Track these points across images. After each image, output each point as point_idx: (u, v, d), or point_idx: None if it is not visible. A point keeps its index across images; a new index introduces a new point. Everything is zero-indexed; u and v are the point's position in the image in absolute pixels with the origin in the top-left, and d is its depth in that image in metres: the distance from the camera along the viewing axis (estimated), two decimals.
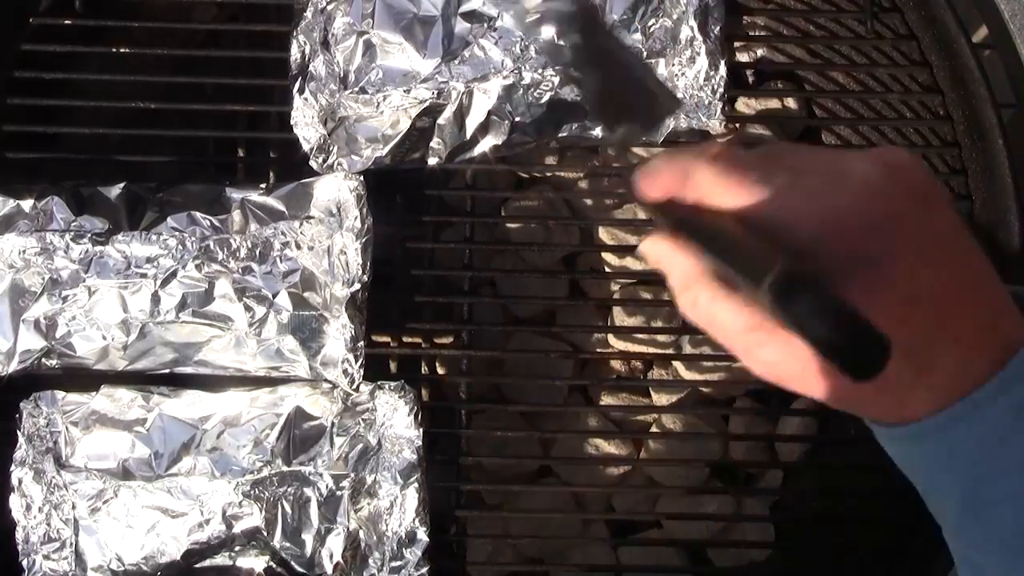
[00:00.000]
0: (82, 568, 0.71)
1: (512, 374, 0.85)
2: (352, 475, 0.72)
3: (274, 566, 0.71)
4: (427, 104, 0.72)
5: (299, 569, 0.71)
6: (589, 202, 0.88)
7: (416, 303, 0.79)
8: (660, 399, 0.87)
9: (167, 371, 0.72)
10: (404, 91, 0.71)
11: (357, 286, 0.71)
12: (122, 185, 0.73)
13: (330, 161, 0.72)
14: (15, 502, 0.72)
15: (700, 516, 0.85)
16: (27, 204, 0.72)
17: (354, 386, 0.71)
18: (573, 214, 0.88)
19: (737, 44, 0.87)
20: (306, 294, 0.71)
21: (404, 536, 0.71)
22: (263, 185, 0.73)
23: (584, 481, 0.85)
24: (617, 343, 0.85)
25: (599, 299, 0.87)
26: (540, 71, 0.71)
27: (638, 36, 0.72)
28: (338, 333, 0.71)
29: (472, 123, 0.73)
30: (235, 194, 0.72)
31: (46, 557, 0.72)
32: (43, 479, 0.72)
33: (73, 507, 0.71)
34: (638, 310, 0.85)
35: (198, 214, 0.72)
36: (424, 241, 0.81)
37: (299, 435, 0.72)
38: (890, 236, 0.41)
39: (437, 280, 0.82)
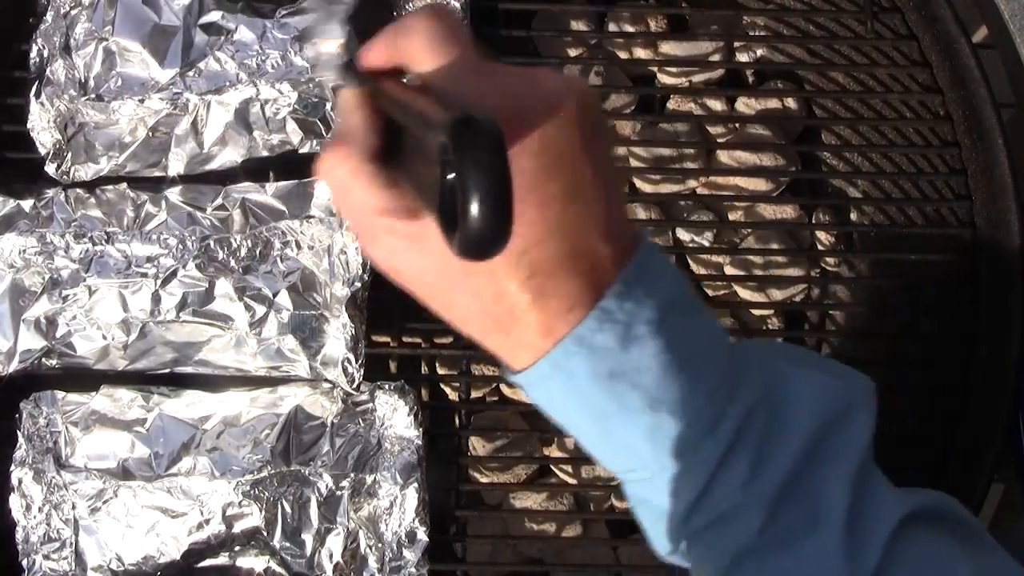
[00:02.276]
0: (82, 568, 0.71)
1: None
2: (352, 475, 0.72)
3: (274, 566, 0.71)
4: (163, 114, 0.72)
5: (299, 569, 0.71)
6: None
7: (416, 303, 0.79)
8: None
9: (167, 371, 0.72)
10: (138, 100, 0.71)
11: (357, 285, 0.71)
12: (123, 185, 0.73)
13: (65, 167, 0.72)
14: (15, 502, 0.72)
15: None
16: (27, 204, 0.72)
17: (354, 386, 0.71)
18: None
19: (737, 44, 0.87)
20: (306, 294, 0.71)
21: (404, 536, 0.71)
22: (264, 184, 0.73)
23: (584, 481, 0.85)
24: None
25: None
26: (276, 86, 0.71)
27: None
28: (338, 333, 0.71)
29: (210, 135, 0.73)
30: (235, 193, 0.72)
31: (46, 557, 0.72)
32: (43, 479, 0.72)
33: (73, 507, 0.71)
34: None
35: (199, 213, 0.72)
36: None
37: (299, 435, 0.72)
38: (550, 142, 0.41)
39: None
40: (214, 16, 0.72)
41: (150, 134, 0.73)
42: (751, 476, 0.42)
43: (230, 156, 0.73)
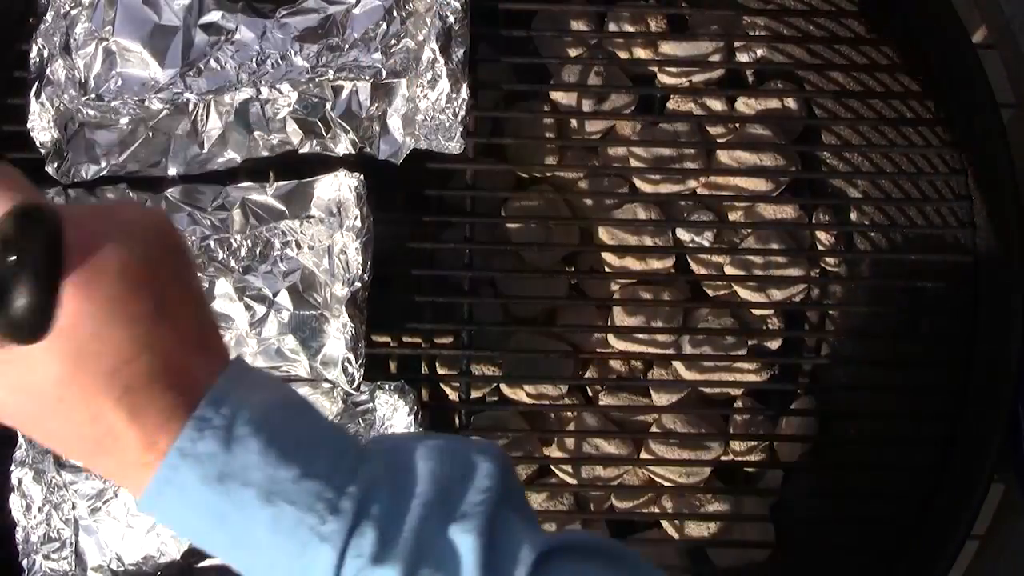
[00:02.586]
0: (82, 568, 0.71)
1: (512, 374, 0.85)
2: None
3: None
4: (163, 114, 0.72)
5: None
6: (589, 202, 0.88)
7: (416, 303, 0.79)
8: (660, 399, 0.87)
9: None
10: (138, 101, 0.71)
11: (358, 285, 0.71)
12: (123, 185, 0.73)
13: (65, 167, 0.73)
14: (15, 502, 0.72)
15: (700, 516, 0.85)
16: None
17: (354, 386, 0.71)
18: (573, 214, 0.88)
19: (737, 44, 0.87)
20: (306, 294, 0.71)
21: None
22: (264, 184, 0.73)
23: (584, 481, 0.85)
24: (617, 343, 0.85)
25: (599, 299, 0.87)
26: (276, 86, 0.71)
27: (378, 55, 0.71)
28: (338, 333, 0.71)
29: (210, 136, 0.73)
30: (235, 193, 0.72)
31: (46, 557, 0.72)
32: (43, 479, 0.72)
33: (73, 507, 0.71)
34: (638, 310, 0.85)
35: (199, 213, 0.72)
36: (424, 241, 0.81)
37: None
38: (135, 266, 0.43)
39: (437, 280, 0.82)
40: (214, 16, 0.72)
41: (150, 134, 0.73)
42: (380, 548, 0.43)
43: (230, 156, 0.73)
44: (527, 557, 0.43)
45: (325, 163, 0.73)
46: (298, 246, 0.72)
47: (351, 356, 0.71)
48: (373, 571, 0.42)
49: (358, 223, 0.71)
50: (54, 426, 0.44)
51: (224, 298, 0.71)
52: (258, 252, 0.72)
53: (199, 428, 0.42)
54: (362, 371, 0.71)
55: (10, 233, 0.39)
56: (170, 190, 0.72)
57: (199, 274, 0.45)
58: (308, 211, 0.72)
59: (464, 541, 0.43)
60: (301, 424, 0.45)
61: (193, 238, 0.71)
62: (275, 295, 0.71)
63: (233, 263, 0.72)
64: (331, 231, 0.71)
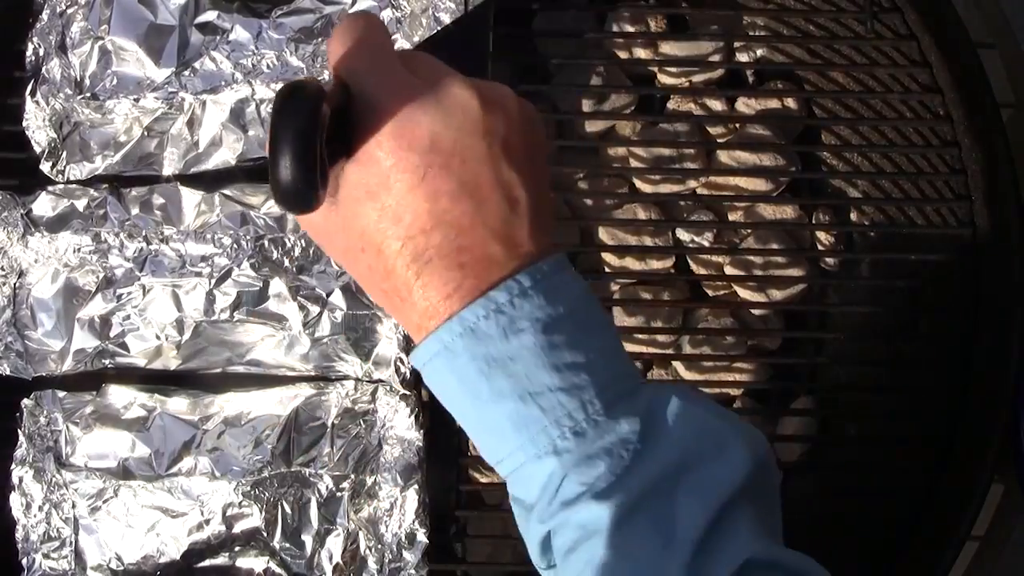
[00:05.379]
0: (82, 567, 0.71)
1: None
2: (352, 476, 0.72)
3: (274, 567, 0.71)
4: (158, 113, 0.72)
5: (298, 570, 0.71)
6: (589, 202, 0.88)
7: None
8: None
9: (219, 371, 0.72)
10: (134, 100, 0.71)
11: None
12: (175, 183, 0.72)
13: (60, 166, 0.73)
14: (15, 501, 0.72)
15: None
16: (81, 203, 0.72)
17: (404, 385, 0.72)
18: (573, 214, 0.88)
19: (737, 44, 0.87)
20: (359, 293, 0.71)
21: (404, 538, 0.71)
22: None
23: None
24: None
25: (599, 299, 0.87)
26: (271, 86, 0.71)
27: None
28: (390, 332, 0.71)
29: (205, 135, 0.72)
30: None
31: (46, 556, 0.72)
32: (43, 478, 0.72)
33: (73, 506, 0.71)
34: (638, 310, 0.85)
35: (252, 212, 0.72)
36: None
37: (300, 436, 0.72)
38: (455, 146, 0.45)
39: None
40: (210, 16, 0.72)
41: (145, 133, 0.73)
42: (605, 483, 0.44)
43: (225, 156, 0.73)
44: (737, 556, 0.43)
45: None
46: None
47: (403, 355, 0.71)
48: (589, 502, 0.43)
49: None
50: (360, 269, 0.48)
51: (278, 298, 0.71)
52: (311, 252, 0.72)
53: (485, 308, 0.44)
54: (412, 368, 0.71)
55: (272, 113, 0.42)
56: (222, 189, 0.72)
57: (515, 175, 0.46)
58: None
59: (689, 510, 0.44)
60: (584, 341, 0.46)
61: (247, 237, 0.71)
62: (328, 295, 0.71)
63: (287, 263, 0.71)
64: None
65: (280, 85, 0.70)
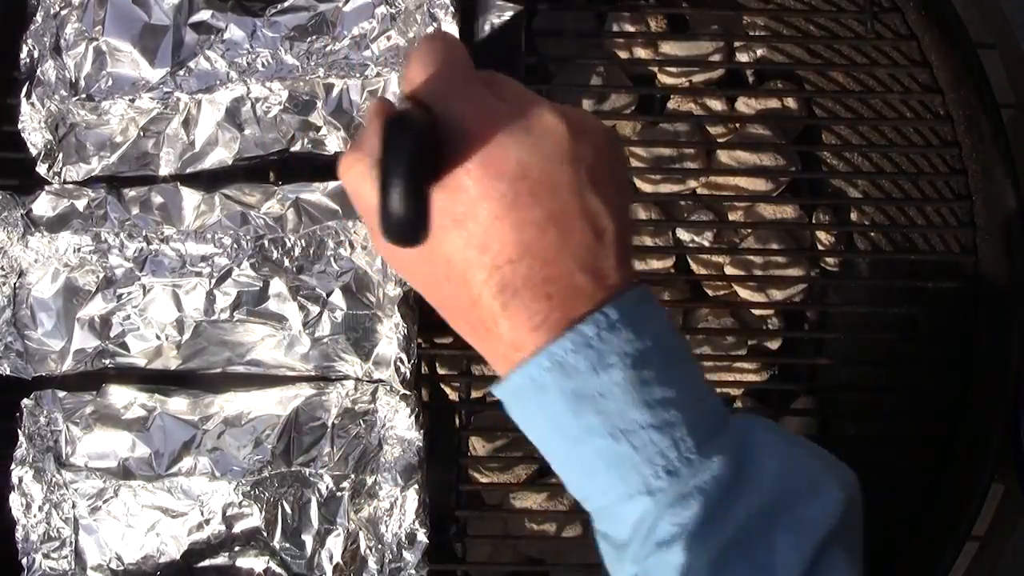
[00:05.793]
0: (81, 567, 0.71)
1: None
2: (352, 476, 0.72)
3: (274, 567, 0.71)
4: (154, 113, 0.72)
5: (298, 570, 0.71)
6: None
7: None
8: None
9: (219, 371, 0.72)
10: (129, 100, 0.71)
11: (409, 285, 0.71)
12: (175, 184, 0.72)
13: (56, 168, 0.73)
14: (15, 501, 0.72)
15: None
16: (81, 203, 0.72)
17: (404, 385, 0.72)
18: None
19: (737, 44, 0.87)
20: (359, 293, 0.71)
21: (404, 538, 0.71)
22: (316, 184, 0.72)
23: None
24: None
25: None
26: (267, 84, 0.71)
27: (368, 53, 0.72)
28: (391, 332, 0.71)
29: (201, 135, 0.72)
30: (289, 192, 0.72)
31: (46, 556, 0.72)
32: (43, 478, 0.72)
33: (73, 506, 0.71)
34: None
35: (252, 212, 0.72)
36: None
37: (300, 436, 0.72)
38: (541, 176, 0.44)
39: None
40: (204, 15, 0.72)
41: (141, 134, 0.73)
42: (699, 523, 0.43)
43: (221, 155, 0.73)
44: None
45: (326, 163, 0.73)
46: (351, 246, 0.72)
47: (403, 355, 0.71)
48: (685, 544, 0.43)
49: None
50: (444, 299, 0.47)
51: (278, 298, 0.71)
52: (312, 252, 0.72)
53: (574, 342, 0.43)
54: (412, 367, 0.71)
55: (378, 145, 0.41)
56: (222, 189, 0.72)
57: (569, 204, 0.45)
58: None
59: (786, 551, 0.43)
60: (672, 376, 0.45)
61: (247, 237, 0.71)
62: (329, 295, 0.71)
63: (287, 263, 0.71)
64: None
65: (277, 83, 0.71)
